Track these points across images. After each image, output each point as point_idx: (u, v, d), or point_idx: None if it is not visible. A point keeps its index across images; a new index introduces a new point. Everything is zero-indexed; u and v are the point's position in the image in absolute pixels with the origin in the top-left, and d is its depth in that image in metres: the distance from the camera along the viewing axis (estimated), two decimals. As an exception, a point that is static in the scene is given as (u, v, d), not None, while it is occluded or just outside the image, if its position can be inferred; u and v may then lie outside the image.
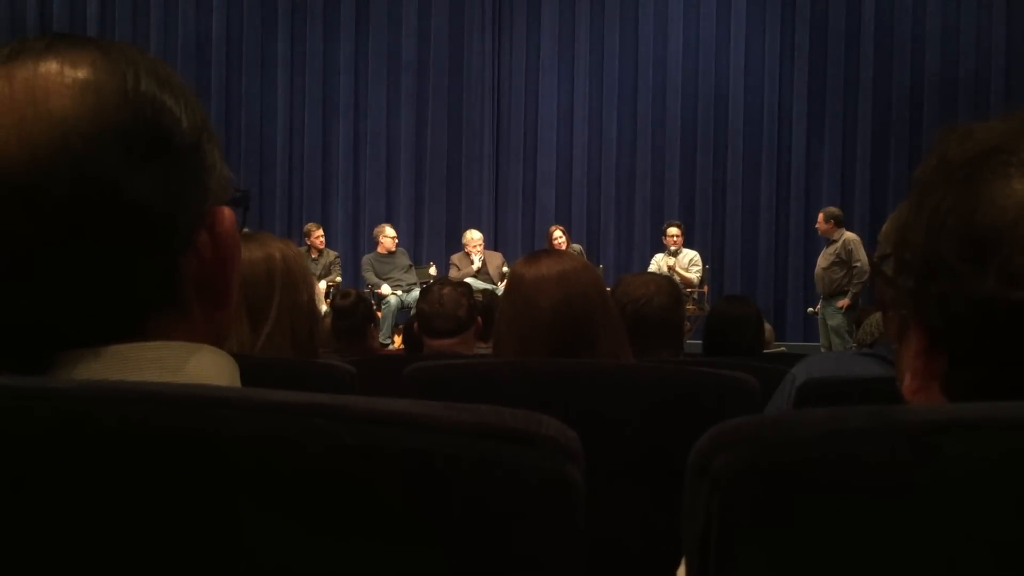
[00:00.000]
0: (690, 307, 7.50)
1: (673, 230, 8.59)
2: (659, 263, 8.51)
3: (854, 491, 0.45)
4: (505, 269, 8.30)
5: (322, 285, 7.94)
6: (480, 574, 0.45)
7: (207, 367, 0.60)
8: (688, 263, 8.51)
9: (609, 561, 1.51)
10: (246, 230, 1.89)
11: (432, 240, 10.44)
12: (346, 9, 10.65)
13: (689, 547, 0.48)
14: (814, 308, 8.36)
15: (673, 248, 8.55)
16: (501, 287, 7.83)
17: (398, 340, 7.85)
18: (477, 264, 8.64)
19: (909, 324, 0.64)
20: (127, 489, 0.45)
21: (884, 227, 1.06)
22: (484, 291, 5.09)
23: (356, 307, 3.63)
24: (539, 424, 0.46)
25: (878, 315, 3.06)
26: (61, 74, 0.57)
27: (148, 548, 0.45)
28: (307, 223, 9.17)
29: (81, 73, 0.57)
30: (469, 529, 0.45)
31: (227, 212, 0.63)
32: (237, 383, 0.62)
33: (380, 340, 7.50)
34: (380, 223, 9.23)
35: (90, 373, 0.56)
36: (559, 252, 1.99)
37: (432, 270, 8.79)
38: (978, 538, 0.44)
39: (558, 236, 8.65)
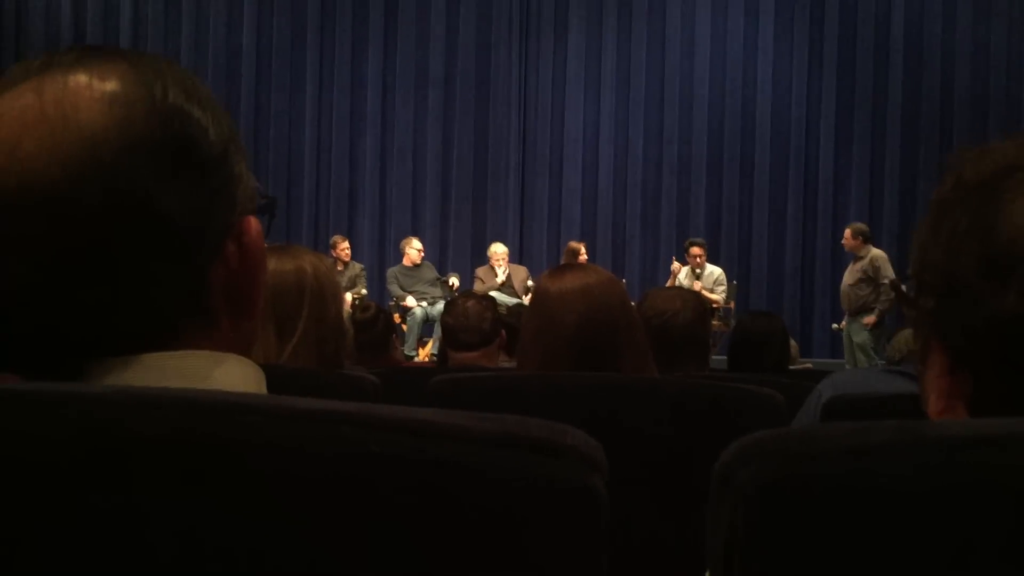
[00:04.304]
0: (715, 323, 7.44)
1: (696, 249, 8.50)
2: (681, 281, 8.41)
3: (879, 506, 0.44)
4: (530, 283, 8.29)
5: (348, 297, 7.96)
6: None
7: (234, 376, 0.60)
8: (713, 283, 8.41)
9: (632, 573, 1.50)
10: (284, 242, 1.90)
11: (457, 253, 10.46)
12: (374, 24, 10.73)
13: (713, 560, 0.48)
14: (839, 324, 8.28)
15: (698, 271, 8.45)
16: (526, 300, 7.82)
17: (423, 352, 7.86)
18: (502, 277, 8.64)
19: (932, 345, 0.63)
20: (153, 494, 0.45)
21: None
22: (512, 306, 5.08)
23: (376, 320, 3.64)
24: (563, 434, 0.46)
25: (908, 332, 3.04)
26: (90, 87, 0.58)
27: (170, 553, 0.45)
28: (333, 235, 9.21)
29: (110, 86, 0.58)
30: (493, 538, 0.45)
31: (253, 222, 0.63)
32: (263, 392, 0.62)
33: (405, 352, 7.51)
34: (406, 236, 9.25)
35: (118, 381, 0.56)
36: (584, 266, 1.99)
37: (454, 279, 8.78)
38: (1006, 554, 0.43)
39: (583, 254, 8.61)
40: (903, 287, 0.69)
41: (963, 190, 0.61)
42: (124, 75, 0.59)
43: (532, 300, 1.91)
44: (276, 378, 0.66)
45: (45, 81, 0.58)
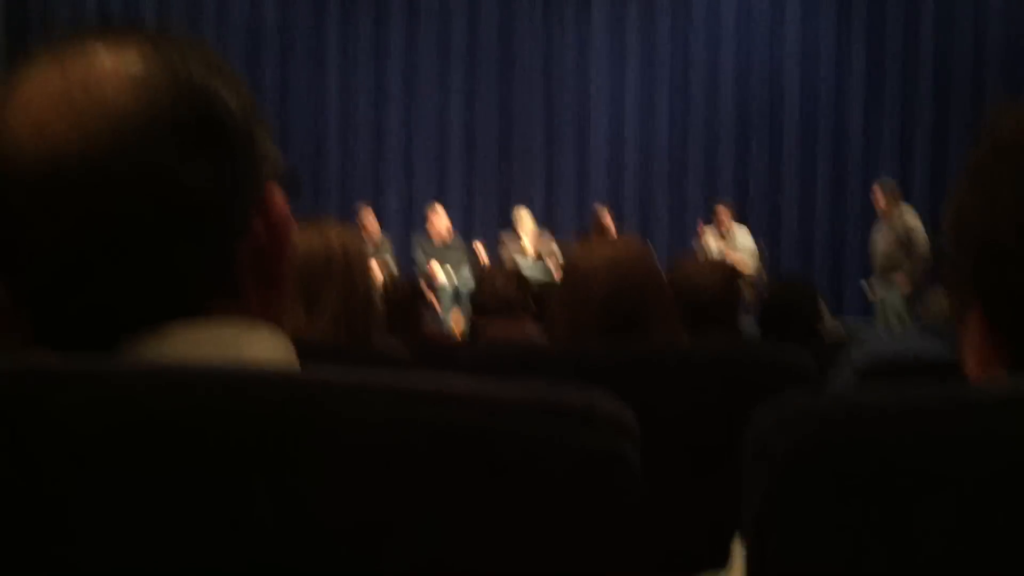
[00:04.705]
0: (745, 290, 7.38)
1: (721, 208, 8.43)
2: (708, 242, 8.35)
3: (918, 470, 0.44)
4: (555, 247, 8.29)
5: (375, 270, 7.95)
6: (536, 549, 0.45)
7: (265, 346, 0.61)
8: (746, 251, 8.34)
9: (661, 541, 1.51)
10: (311, 218, 1.91)
11: (484, 225, 10.43)
12: (396, -4, 10.69)
13: (746, 525, 0.48)
14: (870, 288, 8.16)
15: (724, 231, 8.39)
16: (552, 265, 7.83)
17: (454, 326, 7.86)
18: (529, 247, 8.64)
19: (970, 307, 0.63)
20: (181, 467, 0.46)
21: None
22: (543, 284, 5.08)
23: (406, 293, 3.64)
24: (596, 401, 0.46)
25: (943, 293, 3.01)
26: (114, 66, 0.58)
27: (195, 525, 0.46)
28: (360, 208, 9.21)
29: (132, 64, 0.58)
30: (524, 505, 0.45)
31: (279, 197, 0.63)
32: (294, 362, 0.63)
33: (435, 325, 7.51)
34: (432, 208, 9.21)
35: (154, 354, 0.57)
36: (614, 238, 1.99)
37: (480, 248, 8.75)
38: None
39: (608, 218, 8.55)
40: (940, 249, 0.68)
41: (1001, 150, 0.60)
42: (146, 53, 0.59)
43: (562, 272, 1.91)
44: (305, 351, 0.66)
45: (69, 61, 0.58)
